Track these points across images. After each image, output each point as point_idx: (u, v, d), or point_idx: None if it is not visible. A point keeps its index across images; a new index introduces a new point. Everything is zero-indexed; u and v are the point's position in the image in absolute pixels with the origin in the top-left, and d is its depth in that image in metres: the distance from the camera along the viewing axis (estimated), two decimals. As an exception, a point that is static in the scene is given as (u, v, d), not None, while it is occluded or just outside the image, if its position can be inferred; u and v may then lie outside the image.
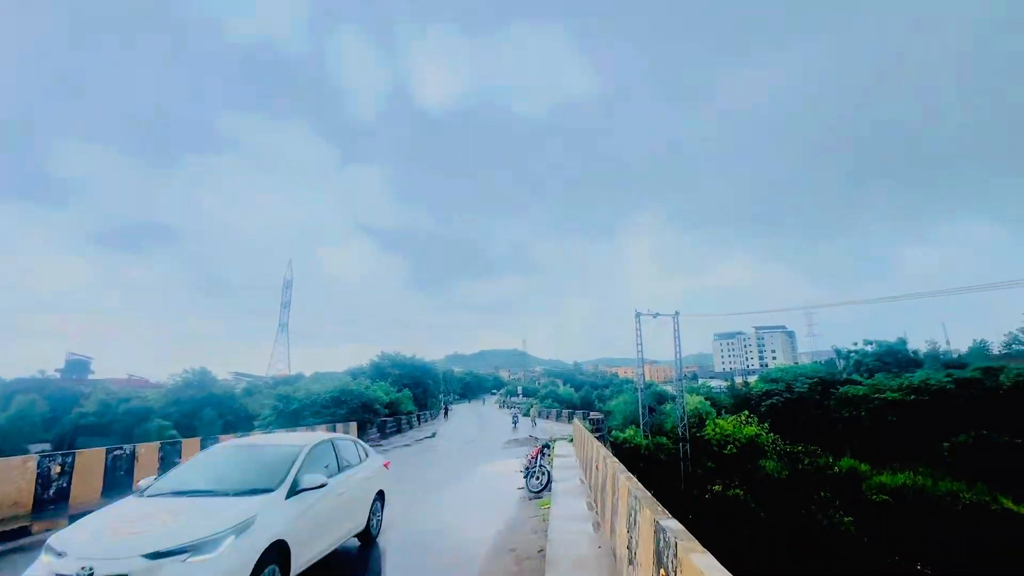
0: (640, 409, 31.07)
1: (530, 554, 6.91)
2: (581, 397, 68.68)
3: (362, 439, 24.62)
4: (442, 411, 52.46)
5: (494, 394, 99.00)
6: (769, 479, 27.76)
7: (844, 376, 51.73)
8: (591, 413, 35.64)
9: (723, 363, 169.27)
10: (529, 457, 11.81)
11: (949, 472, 31.01)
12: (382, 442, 25.32)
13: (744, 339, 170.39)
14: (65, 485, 9.71)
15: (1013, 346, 63.00)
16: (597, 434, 21.04)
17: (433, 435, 32.32)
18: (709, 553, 2.92)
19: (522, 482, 11.55)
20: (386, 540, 7.78)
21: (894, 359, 57.08)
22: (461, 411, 60.36)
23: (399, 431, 33.30)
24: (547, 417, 50.32)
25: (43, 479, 9.34)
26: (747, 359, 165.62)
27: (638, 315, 30.85)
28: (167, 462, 12.14)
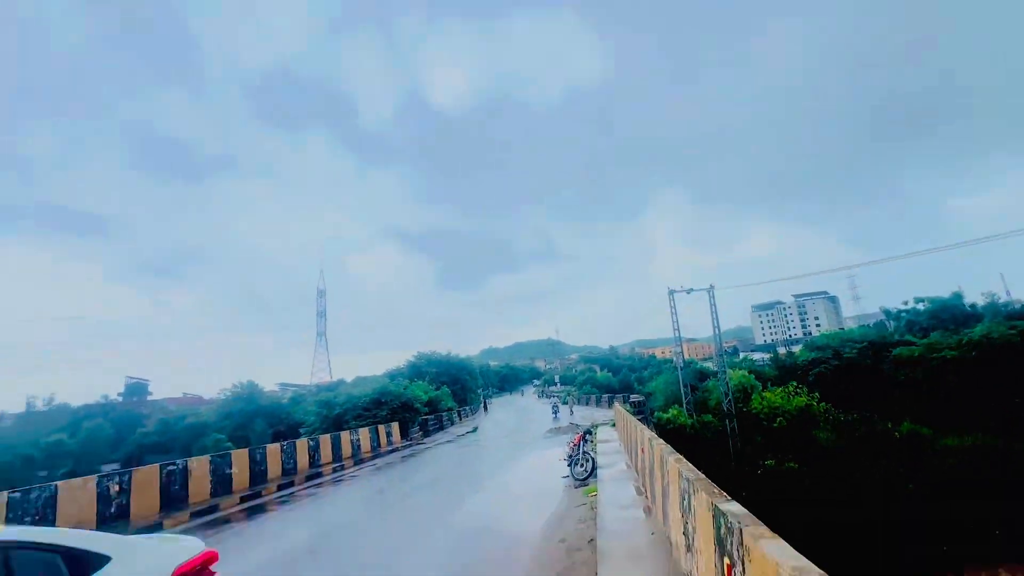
0: (681, 388, 30.30)
1: (580, 545, 6.67)
2: (619, 381, 67.89)
3: (405, 438, 25.09)
4: (481, 406, 53.23)
5: (534, 385, 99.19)
6: (824, 450, 26.64)
7: (896, 338, 49.17)
8: (631, 396, 35.08)
9: (763, 335, 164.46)
10: (571, 445, 11.56)
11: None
12: (425, 440, 25.59)
13: (783, 309, 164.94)
14: (125, 503, 10.06)
15: None
16: (639, 416, 20.60)
17: (475, 430, 32.49)
18: (779, 538, 2.59)
19: (566, 470, 11.32)
20: (435, 539, 7.69)
21: (950, 315, 53.98)
22: (500, 404, 60.68)
23: (441, 428, 33.60)
24: (586, 403, 49.99)
25: (103, 498, 9.69)
26: (788, 329, 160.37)
27: (671, 292, 30.01)
28: (219, 474, 12.48)
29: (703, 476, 4.62)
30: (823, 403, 29.23)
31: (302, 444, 15.86)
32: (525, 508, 9.32)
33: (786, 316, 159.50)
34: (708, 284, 29.61)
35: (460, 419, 41.85)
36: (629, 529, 6.83)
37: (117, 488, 9.95)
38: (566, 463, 11.42)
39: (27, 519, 8.31)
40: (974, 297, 60.37)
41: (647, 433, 8.81)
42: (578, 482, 10.82)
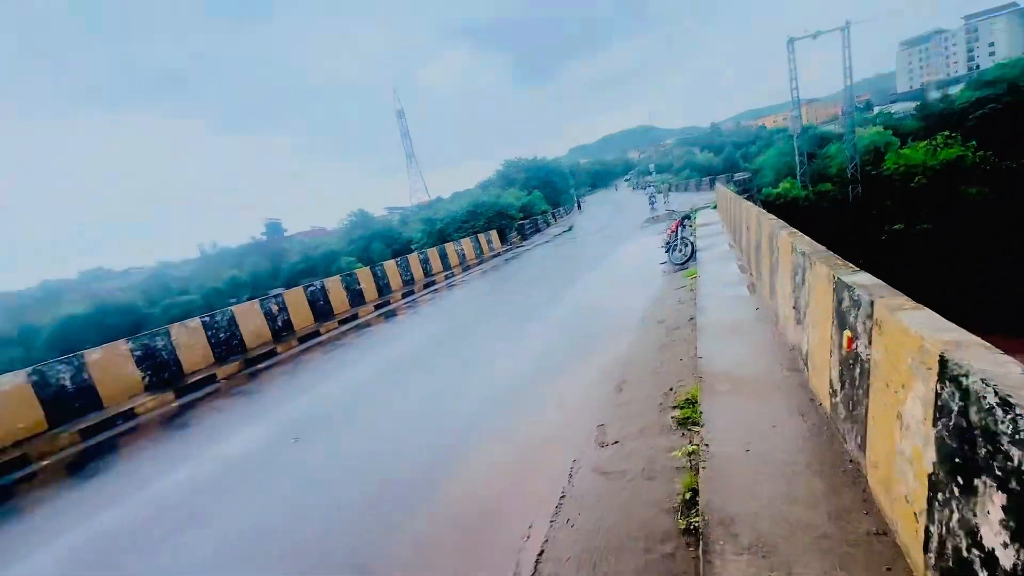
0: (796, 156, 26.94)
1: (679, 323, 6.83)
2: (723, 160, 62.59)
3: (505, 243, 26.54)
4: (575, 205, 52.66)
5: (626, 180, 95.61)
6: (971, 206, 23.26)
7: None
8: (735, 175, 32.35)
9: (911, 80, 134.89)
10: (669, 231, 11.21)
11: None
12: (524, 243, 26.85)
13: (944, 39, 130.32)
14: (287, 318, 12.24)
15: None
16: (745, 195, 19.11)
17: (570, 228, 33.18)
18: (926, 308, 2.19)
19: (664, 257, 11.24)
20: (535, 323, 8.41)
21: None
22: (594, 201, 60.41)
23: (537, 231, 34.76)
24: (684, 189, 47.55)
25: (269, 315, 11.84)
26: (948, 67, 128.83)
27: (790, 41, 24.43)
28: (351, 290, 14.45)
29: (823, 248, 4.11)
30: (981, 152, 24.41)
31: (414, 258, 17.50)
32: (623, 295, 9.65)
33: (947, 50, 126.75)
34: (843, 21, 23.44)
35: (555, 220, 42.70)
36: (731, 306, 6.76)
37: (276, 308, 12.04)
38: (664, 250, 11.27)
39: (221, 334, 10.60)
40: None
41: (754, 209, 8.07)
42: (677, 266, 10.76)
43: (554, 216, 43.51)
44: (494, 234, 24.49)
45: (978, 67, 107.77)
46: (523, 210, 37.58)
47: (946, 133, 25.62)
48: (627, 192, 65.26)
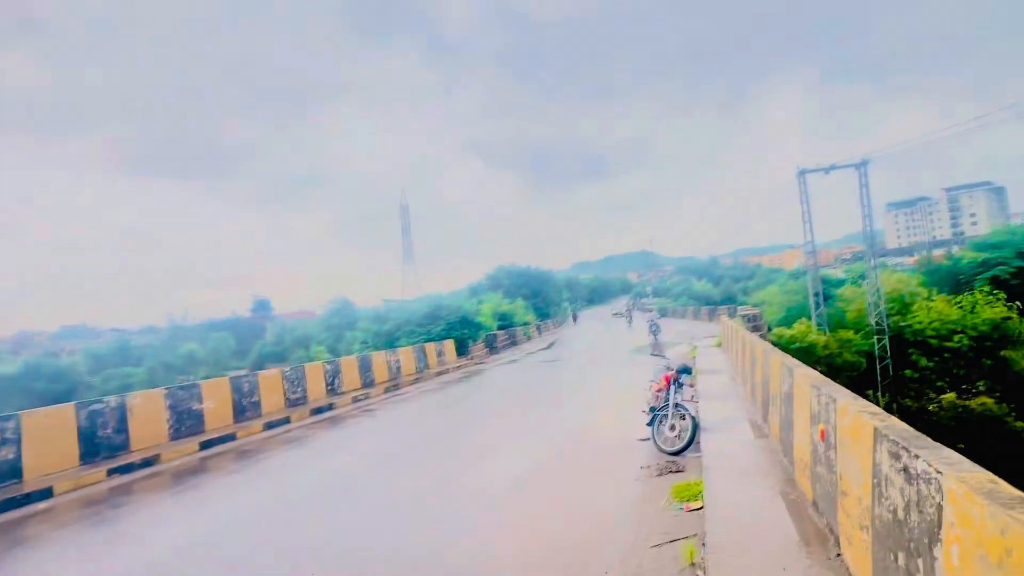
0: (811, 298, 23.58)
1: None
2: (721, 292, 60.51)
3: (465, 355, 22.27)
4: (570, 317, 51.09)
5: (624, 298, 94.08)
6: (1020, 378, 19.35)
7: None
8: (739, 308, 28.99)
9: (899, 239, 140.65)
10: (655, 388, 6.98)
11: None
12: (488, 359, 22.51)
13: (928, 205, 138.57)
14: (256, 400, 10.61)
15: None
16: (756, 333, 15.31)
17: (550, 346, 29.09)
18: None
19: (646, 429, 6.87)
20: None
21: None
22: (589, 316, 57.47)
23: (513, 344, 30.63)
24: (683, 316, 44.38)
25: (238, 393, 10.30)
26: (933, 230, 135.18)
27: (802, 173, 22.42)
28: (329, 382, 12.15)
29: None
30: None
31: (315, 369, 12.98)
32: (550, 521, 5.12)
33: (930, 215, 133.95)
34: (859, 158, 21.56)
35: (539, 333, 38.86)
36: None
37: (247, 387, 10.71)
38: (647, 417, 6.93)
39: (182, 406, 9.51)
40: None
41: (811, 378, 3.97)
42: (667, 454, 6.36)
43: (539, 329, 39.76)
44: (448, 345, 20.19)
45: (963, 233, 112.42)
46: (502, 318, 33.90)
47: (987, 289, 22.51)
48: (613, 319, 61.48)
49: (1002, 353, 20.70)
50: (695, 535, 4.13)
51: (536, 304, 48.51)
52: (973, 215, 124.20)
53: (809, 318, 23.34)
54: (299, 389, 12.29)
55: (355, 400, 13.12)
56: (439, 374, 17.64)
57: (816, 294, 23.14)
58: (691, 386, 7.78)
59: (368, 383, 14.84)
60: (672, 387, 6.63)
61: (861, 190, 21.25)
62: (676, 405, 6.44)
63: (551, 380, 15.16)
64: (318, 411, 11.91)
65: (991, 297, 21.07)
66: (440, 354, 19.10)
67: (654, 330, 20.98)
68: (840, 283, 37.02)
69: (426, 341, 19.82)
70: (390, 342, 20.90)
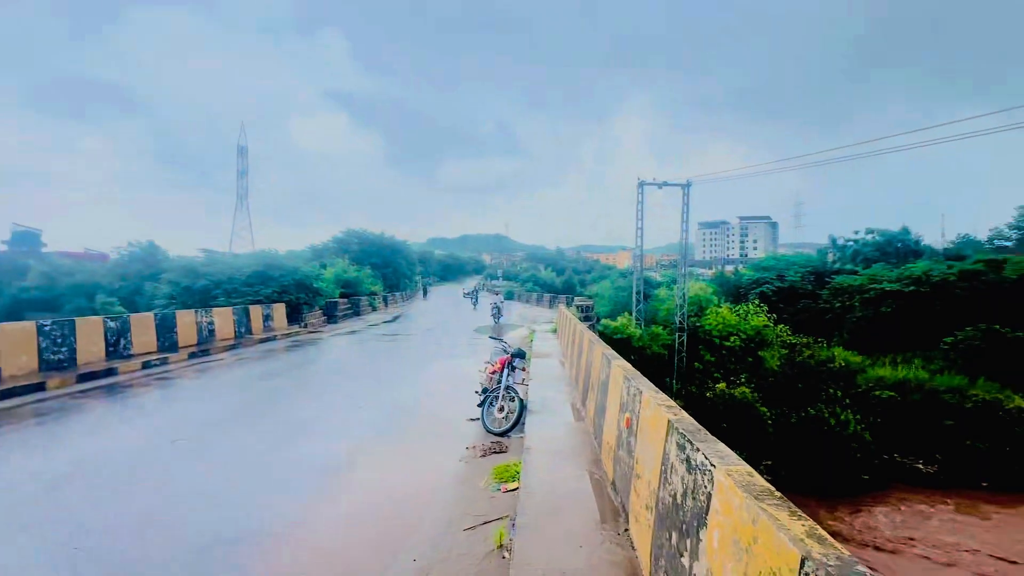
0: (634, 295, 26.92)
1: None
2: (563, 282, 65.51)
3: (297, 323, 20.32)
4: (419, 291, 50.54)
5: (476, 277, 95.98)
6: (770, 373, 24.89)
7: (836, 267, 49.23)
8: (575, 298, 31.71)
9: (705, 252, 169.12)
10: (490, 372, 7.12)
11: (949, 366, 28.91)
12: (325, 327, 20.90)
13: (728, 229, 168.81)
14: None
15: (995, 241, 61.07)
16: (587, 323, 16.88)
17: (395, 319, 28.29)
18: None
19: (477, 410, 6.96)
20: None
21: (894, 249, 54.28)
22: (440, 292, 57.39)
23: (356, 314, 29.07)
24: (527, 301, 47.02)
25: None
26: (728, 249, 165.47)
27: (641, 185, 25.27)
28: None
29: None
30: (780, 324, 27.10)
31: (89, 325, 10.43)
32: (369, 493, 4.88)
33: (727, 236, 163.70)
34: (684, 180, 25.04)
35: (385, 305, 37.56)
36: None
37: None
38: (479, 396, 7.04)
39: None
40: (929, 236, 61.00)
41: (627, 376, 4.38)
42: (492, 434, 6.53)
43: (385, 301, 38.36)
44: (278, 309, 18.16)
45: (746, 255, 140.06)
46: (346, 286, 31.85)
47: (756, 302, 28.40)
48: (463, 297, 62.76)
49: (760, 353, 26.34)
50: (508, 516, 4.25)
51: (386, 274, 46.69)
52: (755, 241, 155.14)
53: (631, 313, 26.64)
54: (63, 349, 9.76)
55: (147, 366, 10.96)
56: (264, 341, 15.76)
57: (638, 292, 26.52)
58: (524, 370, 8.13)
59: (168, 346, 12.52)
60: (506, 370, 6.81)
61: (683, 207, 24.80)
62: (508, 388, 6.64)
63: (389, 355, 14.64)
64: (89, 377, 9.63)
65: (758, 308, 26.77)
66: (268, 319, 17.07)
67: (495, 314, 21.62)
68: (658, 285, 42.85)
69: (252, 303, 17.51)
70: (205, 301, 17.95)
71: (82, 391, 8.96)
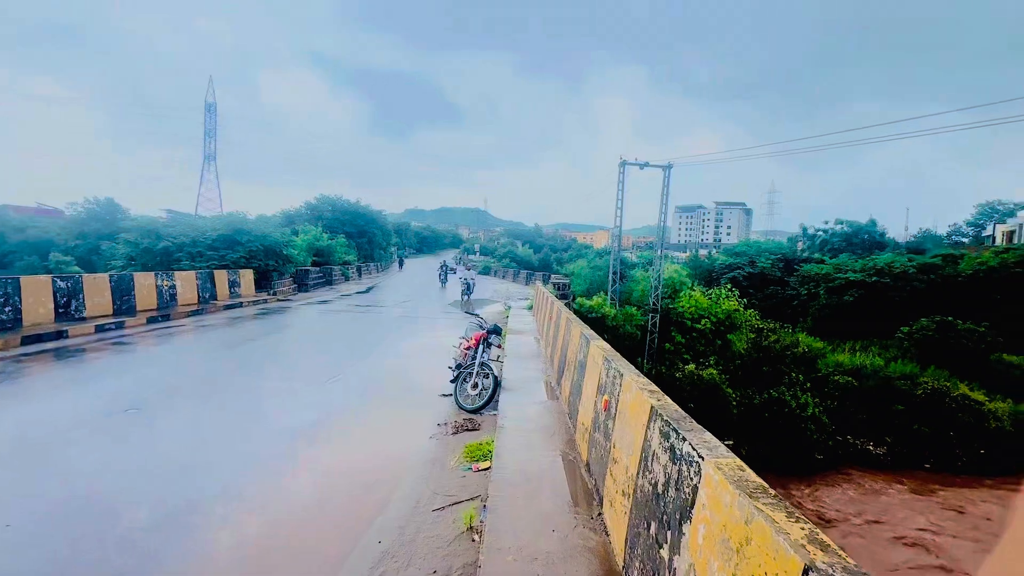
0: (611, 274, 27.01)
1: None
2: (540, 259, 65.44)
3: (267, 290, 19.61)
4: (395, 262, 50.01)
5: (453, 251, 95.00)
6: (738, 356, 25.58)
7: (805, 255, 50.63)
8: (552, 276, 31.67)
9: (680, 236, 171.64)
10: (464, 348, 6.93)
11: (903, 355, 30.31)
12: (294, 296, 20.28)
13: (704, 213, 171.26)
14: None
15: (953, 237, 64.01)
16: (564, 301, 16.82)
17: (368, 290, 27.74)
18: None
19: (450, 386, 6.80)
20: None
21: (861, 240, 56.01)
22: (416, 264, 56.58)
23: (328, 283, 28.41)
24: (503, 277, 46.85)
25: None
26: (703, 233, 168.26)
27: (623, 164, 25.05)
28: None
29: None
30: (750, 310, 27.74)
31: (36, 284, 9.73)
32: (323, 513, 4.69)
33: (703, 221, 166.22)
34: (666, 161, 24.94)
35: (359, 276, 36.83)
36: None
37: None
38: (452, 373, 6.86)
39: None
40: (894, 229, 63.12)
41: (600, 349, 4.26)
42: (466, 411, 6.38)
43: (359, 271, 37.58)
44: (246, 275, 17.44)
45: (720, 240, 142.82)
46: (318, 255, 30.97)
47: (728, 286, 28.96)
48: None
49: (728, 336, 26.98)
50: (479, 496, 4.13)
51: (360, 244, 45.56)
52: (729, 227, 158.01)
53: (607, 292, 26.78)
54: (7, 309, 9.11)
55: (101, 330, 10.37)
56: (229, 308, 15.15)
57: (615, 272, 26.62)
58: (499, 347, 7.97)
59: (125, 310, 11.87)
60: (481, 346, 6.63)
61: (663, 189, 24.78)
62: (482, 364, 6.47)
63: (361, 326, 14.29)
64: (36, 339, 9.04)
65: (730, 293, 27.31)
66: (234, 285, 16.37)
67: (465, 289, 20.86)
68: (634, 266, 43.25)
69: (218, 268, 16.75)
70: (167, 264, 17.07)
71: (26, 354, 8.40)
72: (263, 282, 19.16)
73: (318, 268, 28.08)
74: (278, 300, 18.29)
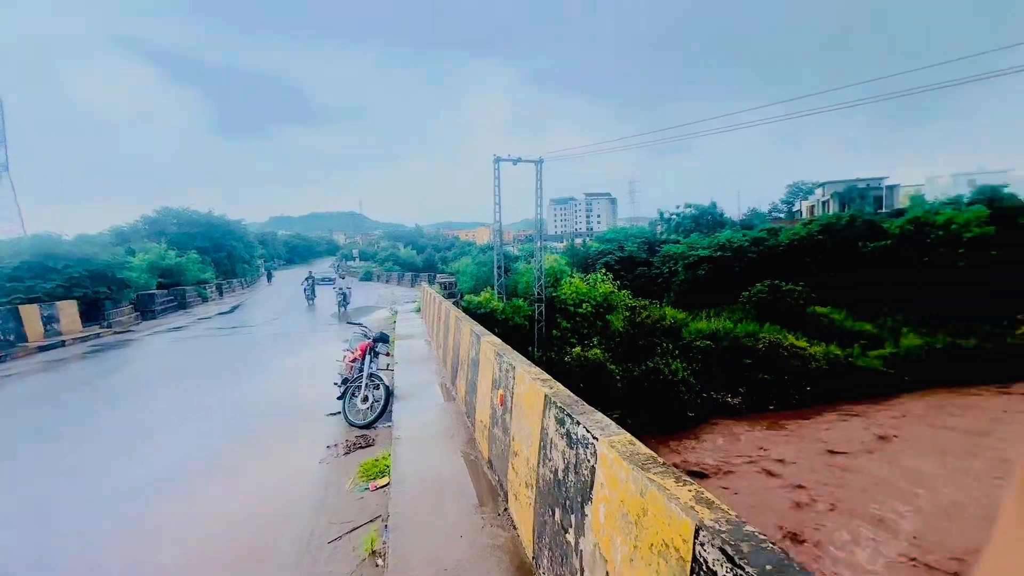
0: (495, 269, 27.49)
1: None
2: (424, 260, 64.31)
3: (98, 323, 16.36)
4: (263, 276, 47.50)
5: (329, 259, 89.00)
6: (617, 334, 27.76)
7: (663, 237, 56.59)
8: (438, 276, 31.32)
9: (556, 227, 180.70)
10: (349, 360, 6.46)
11: (746, 316, 35.45)
12: (139, 326, 17.36)
13: (575, 205, 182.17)
14: None
15: (773, 213, 77.13)
16: (452, 300, 16.68)
17: (232, 309, 24.94)
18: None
19: (337, 403, 6.31)
20: None
21: (706, 221, 64.10)
22: (289, 276, 51.93)
23: (183, 307, 24.95)
24: (387, 281, 45.25)
25: None
26: (576, 223, 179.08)
27: (497, 160, 25.57)
28: None
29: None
30: (624, 291, 30.19)
31: None
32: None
33: (576, 212, 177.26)
34: (537, 156, 25.99)
35: (221, 294, 32.92)
36: None
37: None
38: (338, 389, 6.37)
39: None
40: (729, 210, 72.78)
41: (497, 350, 4.27)
42: (356, 429, 5.97)
43: (220, 289, 33.53)
44: (67, 307, 14.45)
45: (591, 229, 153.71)
46: (166, 275, 26.97)
47: (603, 271, 31.19)
48: (323, 273, 58.26)
49: (607, 317, 29.16)
50: (379, 517, 3.87)
51: (219, 260, 40.61)
52: (599, 216, 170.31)
53: (493, 287, 27.22)
54: None
55: None
56: (45, 349, 12.44)
57: (499, 267, 27.17)
58: (388, 354, 7.62)
59: None
60: (368, 356, 6.25)
61: (537, 182, 25.82)
62: (371, 375, 6.11)
63: (227, 351, 12.71)
64: None
65: (604, 277, 29.55)
66: (51, 321, 13.45)
67: (340, 301, 19.51)
68: (516, 259, 44.55)
69: (23, 303, 13.59)
70: (-53, 303, 13.41)
71: None
72: (93, 313, 16.07)
73: (166, 291, 24.42)
74: (116, 333, 15.48)
